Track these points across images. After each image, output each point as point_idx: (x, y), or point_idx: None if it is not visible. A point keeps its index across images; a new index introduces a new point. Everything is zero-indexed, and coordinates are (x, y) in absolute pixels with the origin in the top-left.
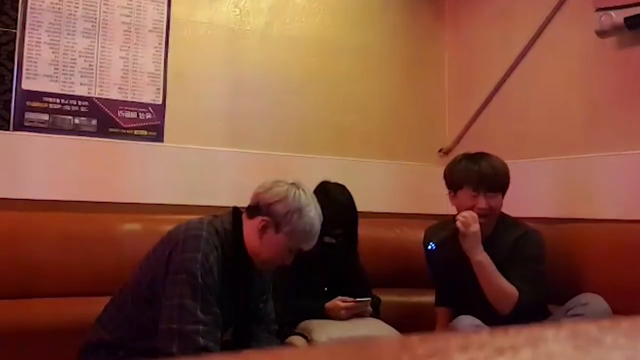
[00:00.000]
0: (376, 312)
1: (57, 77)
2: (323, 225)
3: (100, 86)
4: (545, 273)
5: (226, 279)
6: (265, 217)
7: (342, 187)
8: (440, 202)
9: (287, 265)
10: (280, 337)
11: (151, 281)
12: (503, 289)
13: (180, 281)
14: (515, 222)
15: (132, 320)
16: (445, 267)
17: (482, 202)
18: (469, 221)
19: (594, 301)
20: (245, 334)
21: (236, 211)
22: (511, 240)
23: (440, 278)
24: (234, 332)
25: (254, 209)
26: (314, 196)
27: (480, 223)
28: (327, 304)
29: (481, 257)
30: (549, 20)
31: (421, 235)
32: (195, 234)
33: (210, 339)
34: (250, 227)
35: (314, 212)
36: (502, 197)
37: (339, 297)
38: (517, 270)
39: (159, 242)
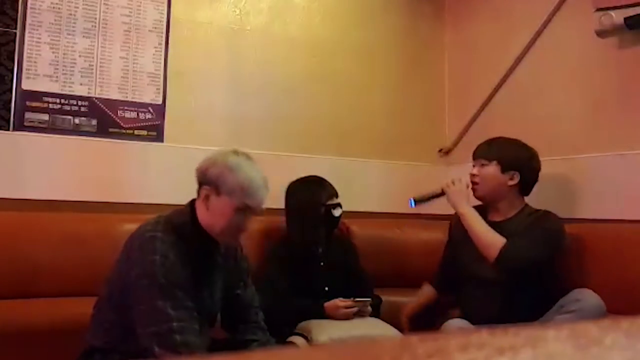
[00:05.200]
0: (377, 312)
1: (57, 77)
2: (328, 203)
3: (100, 86)
4: (550, 244)
5: (196, 269)
6: (205, 187)
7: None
8: (440, 202)
9: (287, 265)
10: (280, 337)
11: (122, 288)
12: (487, 236)
13: (145, 285)
14: (538, 209)
15: (117, 325)
16: (456, 242)
17: (474, 169)
18: (453, 182)
19: (587, 297)
20: (234, 326)
21: (193, 201)
22: (532, 218)
23: (449, 256)
24: (225, 329)
25: (198, 185)
26: (249, 157)
27: (473, 189)
28: (327, 304)
29: (464, 210)
30: (548, 20)
31: (421, 235)
32: (150, 235)
33: (187, 332)
34: (199, 205)
35: (247, 168)
36: (502, 169)
37: (339, 298)
38: (522, 236)
39: (122, 248)
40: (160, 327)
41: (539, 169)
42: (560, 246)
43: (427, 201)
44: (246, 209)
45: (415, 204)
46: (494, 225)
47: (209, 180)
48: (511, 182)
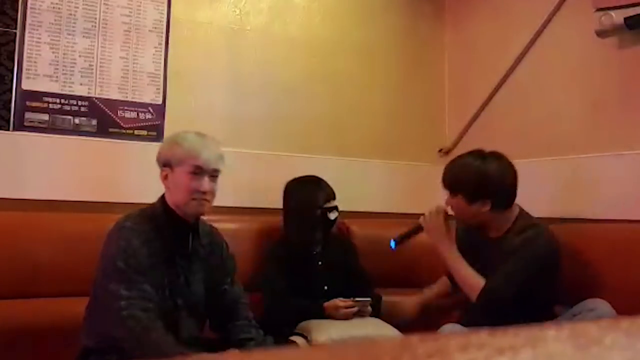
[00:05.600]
0: (377, 312)
1: (57, 77)
2: (325, 206)
3: (100, 86)
4: (534, 275)
5: (171, 256)
6: (163, 169)
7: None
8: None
9: (285, 265)
10: (280, 337)
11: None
12: (467, 279)
13: (105, 271)
14: (532, 222)
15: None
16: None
17: (446, 200)
18: (430, 217)
19: (601, 307)
20: (223, 325)
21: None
22: (520, 239)
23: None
24: (214, 329)
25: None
26: (199, 133)
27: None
28: (327, 304)
29: (443, 251)
30: (548, 20)
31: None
32: (120, 226)
33: (134, 308)
34: (166, 191)
35: (191, 137)
36: (468, 201)
37: (339, 298)
38: (505, 264)
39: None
40: (111, 307)
41: (508, 182)
42: (548, 266)
43: (407, 239)
44: (198, 171)
45: (396, 246)
46: (492, 242)
47: (163, 161)
48: (484, 209)
